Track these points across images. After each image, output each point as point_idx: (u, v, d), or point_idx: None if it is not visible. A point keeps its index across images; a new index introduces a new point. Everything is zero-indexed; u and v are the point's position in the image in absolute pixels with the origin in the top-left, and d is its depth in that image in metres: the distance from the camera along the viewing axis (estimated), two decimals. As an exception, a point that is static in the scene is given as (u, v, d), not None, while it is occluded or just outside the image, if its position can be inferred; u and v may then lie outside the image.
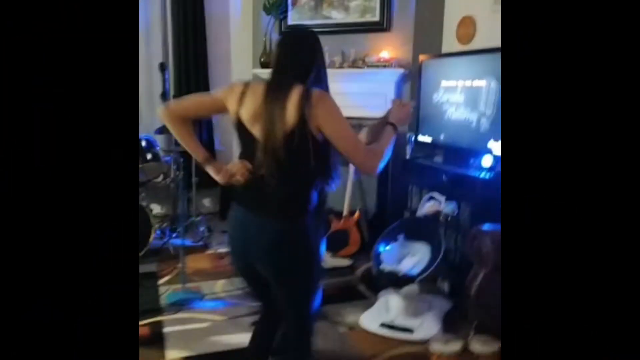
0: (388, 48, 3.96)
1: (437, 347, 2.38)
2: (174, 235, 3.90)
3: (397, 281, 2.68)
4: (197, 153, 1.75)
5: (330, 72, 4.18)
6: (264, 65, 4.42)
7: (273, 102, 1.54)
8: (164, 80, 2.58)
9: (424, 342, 2.48)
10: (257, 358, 1.89)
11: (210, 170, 1.72)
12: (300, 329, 1.76)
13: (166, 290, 3.14)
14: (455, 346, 2.39)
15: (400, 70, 3.87)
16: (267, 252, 1.61)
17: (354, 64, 4.09)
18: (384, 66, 3.90)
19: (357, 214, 3.80)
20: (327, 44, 4.14)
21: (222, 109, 1.68)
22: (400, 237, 2.99)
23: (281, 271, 1.65)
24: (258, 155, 1.56)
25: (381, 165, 1.60)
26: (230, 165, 1.67)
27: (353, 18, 4.09)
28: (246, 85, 1.65)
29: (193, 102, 1.76)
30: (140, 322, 2.71)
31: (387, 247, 2.92)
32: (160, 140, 3.90)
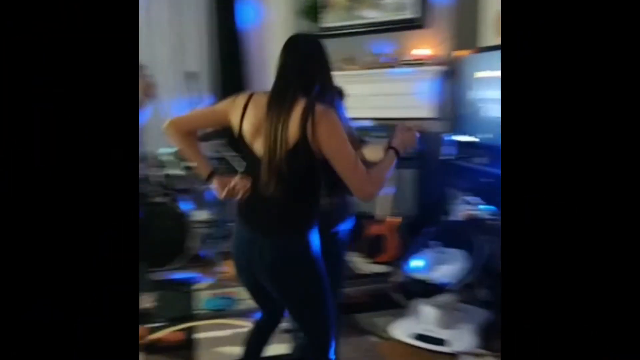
0: (423, 45, 3.83)
1: (468, 361, 2.25)
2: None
3: (427, 290, 2.56)
4: (201, 167, 1.71)
5: (364, 73, 4.12)
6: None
7: (275, 116, 1.48)
8: (194, 90, 2.60)
9: (457, 356, 2.35)
10: None
11: (215, 185, 1.67)
12: (315, 345, 1.69)
13: (202, 296, 3.17)
14: (489, 361, 2.25)
15: (437, 68, 3.72)
16: (271, 270, 1.56)
17: (390, 63, 3.99)
18: (420, 64, 3.77)
19: (396, 219, 3.68)
20: (361, 43, 4.14)
21: (225, 122, 1.63)
22: (435, 243, 2.86)
23: (286, 289, 1.60)
24: (260, 171, 1.51)
25: (378, 192, 1.52)
26: (233, 181, 1.63)
27: (387, 16, 3.98)
28: (250, 96, 1.59)
29: (196, 115, 1.72)
30: (175, 328, 2.75)
31: (420, 254, 2.80)
32: (203, 148, 3.95)
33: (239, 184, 1.60)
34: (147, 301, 3.07)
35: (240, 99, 1.60)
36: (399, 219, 3.66)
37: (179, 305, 3.04)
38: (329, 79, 1.58)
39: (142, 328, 2.73)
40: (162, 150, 3.77)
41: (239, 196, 1.60)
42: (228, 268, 3.48)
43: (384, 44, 4.04)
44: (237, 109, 1.58)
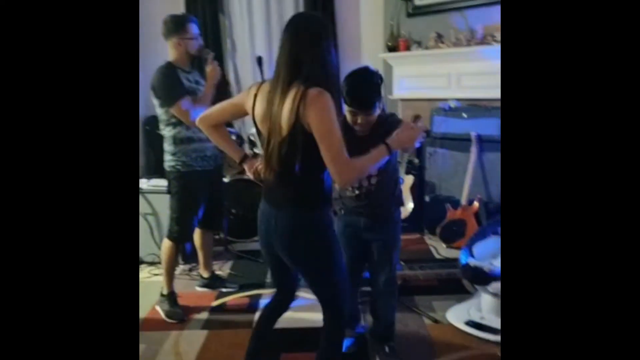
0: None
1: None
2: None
3: (482, 278, 2.43)
4: (233, 154, 1.91)
5: (456, 51, 3.96)
6: (390, 49, 4.35)
7: (274, 102, 1.56)
8: (261, 73, 2.76)
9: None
10: (259, 343, 1.91)
11: (246, 168, 1.91)
12: (329, 319, 1.77)
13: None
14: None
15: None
16: (285, 242, 1.67)
17: (483, 41, 3.77)
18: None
19: (476, 204, 3.52)
20: (454, 21, 3.96)
21: (243, 112, 1.75)
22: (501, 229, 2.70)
23: (299, 260, 1.70)
24: (267, 152, 1.62)
25: (355, 181, 1.56)
26: (257, 163, 1.81)
27: (480, -9, 3.76)
28: (260, 85, 1.68)
29: (220, 109, 1.83)
30: (244, 294, 2.97)
31: (482, 241, 2.66)
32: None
33: (260, 165, 1.75)
34: (220, 268, 3.35)
35: (253, 89, 1.69)
36: (478, 204, 3.49)
37: (251, 274, 3.26)
38: (327, 58, 1.56)
39: (209, 292, 3.01)
40: (253, 130, 4.02)
41: (262, 175, 1.74)
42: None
43: (477, 21, 3.83)
44: (250, 98, 1.69)
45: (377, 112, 1.92)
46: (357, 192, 2.06)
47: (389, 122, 1.93)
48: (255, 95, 1.66)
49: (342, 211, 2.18)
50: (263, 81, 1.70)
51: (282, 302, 1.92)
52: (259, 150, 3.46)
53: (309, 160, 1.56)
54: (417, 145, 1.74)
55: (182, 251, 3.18)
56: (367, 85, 1.90)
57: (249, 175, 1.89)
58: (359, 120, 1.90)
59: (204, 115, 1.84)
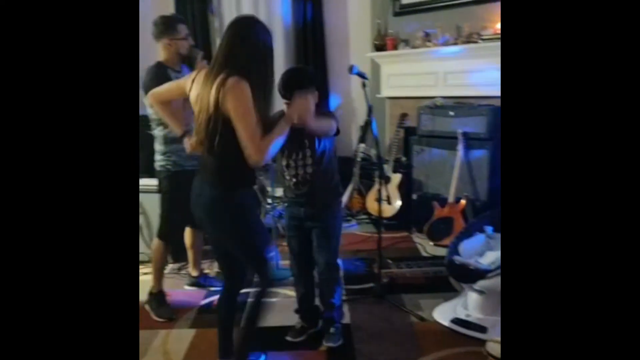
0: (502, 19, 3.58)
1: (494, 348, 2.14)
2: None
3: (468, 275, 2.46)
4: (176, 129, 2.24)
5: (443, 50, 3.98)
6: (378, 48, 4.37)
7: (203, 87, 1.78)
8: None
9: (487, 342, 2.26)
10: (224, 326, 2.11)
11: (185, 142, 2.21)
12: (255, 267, 2.01)
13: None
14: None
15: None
16: (203, 215, 1.91)
17: (468, 39, 3.80)
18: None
19: (463, 202, 3.55)
20: (441, 19, 3.99)
21: (183, 93, 1.95)
22: (488, 228, 2.73)
23: (213, 232, 2.01)
24: (196, 130, 1.86)
25: (266, 158, 1.74)
26: (192, 140, 2.01)
27: (466, -10, 3.80)
28: (198, 72, 1.88)
29: (167, 88, 2.11)
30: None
31: (468, 238, 2.69)
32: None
33: (193, 140, 1.96)
34: (209, 267, 3.37)
35: (193, 74, 1.92)
36: (465, 202, 3.53)
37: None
38: (256, 56, 1.78)
39: (197, 291, 3.02)
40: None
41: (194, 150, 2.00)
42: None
43: (463, 19, 3.86)
44: (189, 82, 1.91)
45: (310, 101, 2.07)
46: (294, 179, 2.25)
47: (322, 113, 2.12)
48: (193, 80, 1.88)
49: (286, 204, 2.40)
50: (203, 69, 1.91)
51: (230, 288, 2.08)
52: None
53: (228, 141, 1.74)
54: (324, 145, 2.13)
55: (172, 250, 3.19)
56: (294, 78, 2.10)
57: (186, 148, 2.17)
58: None
59: (154, 91, 2.13)
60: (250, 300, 2.04)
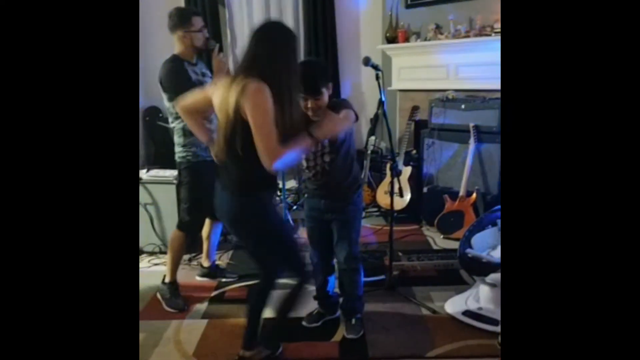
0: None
1: (507, 342, 2.13)
2: (295, 207, 4.14)
3: (480, 268, 2.45)
4: (201, 137, 2.22)
5: (455, 43, 3.98)
6: (389, 40, 4.35)
7: (226, 93, 1.75)
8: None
9: (499, 334, 2.25)
10: (253, 317, 2.09)
11: (211, 150, 2.16)
12: (263, 281, 2.05)
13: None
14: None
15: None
16: (226, 220, 1.95)
17: (481, 32, 3.78)
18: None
19: (474, 195, 3.54)
20: (453, 12, 3.96)
21: (210, 101, 1.92)
22: (500, 221, 2.72)
23: (241, 237, 2.03)
24: (219, 136, 1.84)
25: (279, 166, 1.71)
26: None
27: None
28: (222, 77, 1.90)
29: (194, 97, 2.05)
30: (241, 284, 2.99)
31: (480, 232, 2.68)
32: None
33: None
34: (222, 259, 3.37)
35: (217, 81, 1.92)
36: (476, 195, 3.52)
37: (250, 263, 3.25)
38: (281, 62, 1.75)
39: (209, 282, 3.03)
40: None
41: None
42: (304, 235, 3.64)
43: (476, 11, 3.83)
44: (212, 89, 1.90)
45: (326, 96, 2.05)
46: (313, 171, 2.22)
47: (339, 106, 2.09)
48: (217, 88, 1.86)
49: (306, 195, 2.41)
50: (230, 76, 1.89)
51: (264, 281, 2.07)
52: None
53: (248, 146, 1.71)
54: (341, 134, 2.07)
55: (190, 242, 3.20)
56: (311, 72, 2.02)
57: (212, 156, 2.08)
58: (309, 105, 2.02)
59: (182, 102, 2.09)
60: (286, 291, 2.03)
